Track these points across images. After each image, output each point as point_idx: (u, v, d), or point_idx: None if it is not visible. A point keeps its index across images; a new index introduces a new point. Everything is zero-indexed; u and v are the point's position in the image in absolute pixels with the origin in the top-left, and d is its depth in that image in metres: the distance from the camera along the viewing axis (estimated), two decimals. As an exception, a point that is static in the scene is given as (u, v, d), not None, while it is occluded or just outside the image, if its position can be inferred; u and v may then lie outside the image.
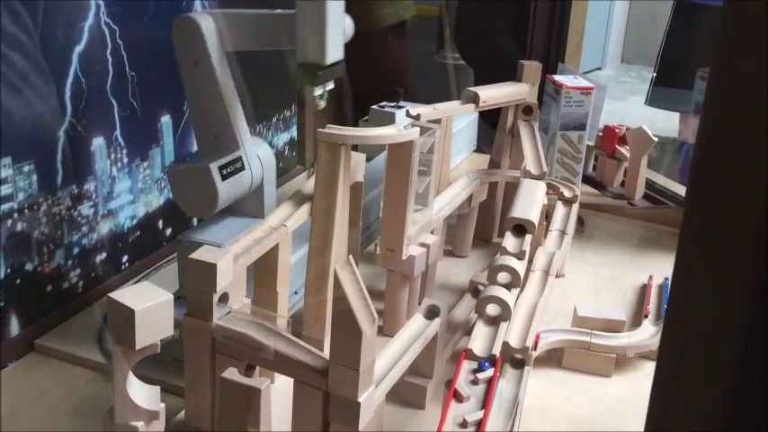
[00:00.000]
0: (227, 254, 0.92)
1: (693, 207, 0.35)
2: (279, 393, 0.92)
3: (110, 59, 1.25)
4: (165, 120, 1.40)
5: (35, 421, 1.02)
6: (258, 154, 1.13)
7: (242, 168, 1.09)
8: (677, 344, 0.37)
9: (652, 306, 1.30)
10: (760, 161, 0.32)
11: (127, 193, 1.33)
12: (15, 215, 1.12)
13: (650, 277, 1.41)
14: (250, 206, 1.15)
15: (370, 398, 0.86)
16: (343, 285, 0.81)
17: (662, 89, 2.40)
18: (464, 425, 0.87)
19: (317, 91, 1.09)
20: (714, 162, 0.35)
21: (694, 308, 0.35)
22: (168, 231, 1.45)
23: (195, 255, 0.90)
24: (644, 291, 1.39)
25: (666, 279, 1.39)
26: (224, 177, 1.06)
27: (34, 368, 1.13)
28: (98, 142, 1.25)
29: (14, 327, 1.15)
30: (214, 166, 1.05)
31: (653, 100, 2.49)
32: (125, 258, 1.36)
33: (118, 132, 1.29)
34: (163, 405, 0.68)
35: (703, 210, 0.35)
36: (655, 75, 2.45)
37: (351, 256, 0.87)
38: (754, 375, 0.32)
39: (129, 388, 0.66)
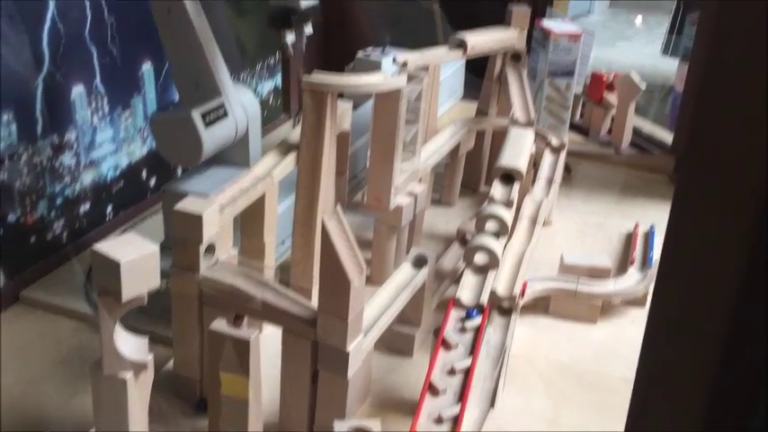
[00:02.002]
0: (213, 204, 0.91)
1: (692, 157, 0.35)
2: (267, 343, 0.92)
3: (87, 4, 1.21)
4: (147, 67, 1.37)
5: (22, 372, 1.02)
6: (242, 102, 1.11)
7: (225, 115, 1.07)
8: (671, 295, 0.36)
9: (638, 253, 1.31)
10: (760, 108, 0.31)
11: (109, 142, 1.31)
12: (-5, 166, 1.10)
13: (636, 225, 1.41)
14: (235, 155, 1.14)
15: (359, 347, 0.87)
16: (331, 235, 0.81)
17: (677, 37, 2.36)
18: (452, 372, 0.88)
19: (289, 36, 1.08)
20: (715, 109, 0.34)
21: (689, 259, 0.35)
22: (152, 181, 1.44)
23: (180, 205, 0.89)
24: (630, 238, 1.39)
25: (652, 226, 1.39)
26: (207, 125, 1.04)
27: (20, 319, 1.13)
28: (78, 90, 1.22)
29: (-1, 278, 1.14)
30: (196, 114, 1.03)
31: (667, 48, 2.46)
32: (109, 209, 1.34)
33: (98, 80, 1.26)
34: (151, 356, 0.68)
35: (701, 161, 0.34)
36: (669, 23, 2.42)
37: (338, 206, 0.86)
38: (749, 327, 0.32)
39: (116, 340, 0.66)
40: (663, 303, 0.36)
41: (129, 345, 0.67)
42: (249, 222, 1.08)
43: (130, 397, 0.68)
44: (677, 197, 0.35)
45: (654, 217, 1.45)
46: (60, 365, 1.04)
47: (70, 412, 0.95)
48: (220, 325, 0.66)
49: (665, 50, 2.49)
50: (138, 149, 1.38)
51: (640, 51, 2.86)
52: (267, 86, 1.82)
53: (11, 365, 1.03)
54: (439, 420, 0.81)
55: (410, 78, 1.16)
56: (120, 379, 0.66)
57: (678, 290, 0.35)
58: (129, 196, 1.38)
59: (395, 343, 1.07)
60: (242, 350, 0.66)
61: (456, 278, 1.21)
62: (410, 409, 0.93)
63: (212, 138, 1.05)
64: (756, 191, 0.30)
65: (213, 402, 0.74)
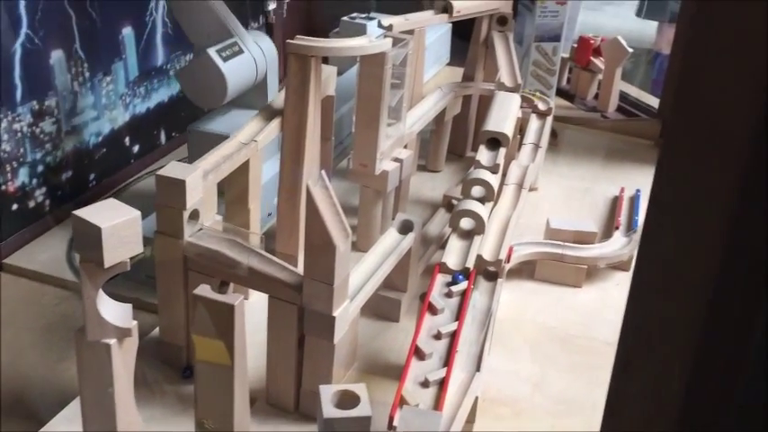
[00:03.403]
0: (197, 170, 0.90)
1: (680, 111, 0.34)
2: (253, 309, 0.92)
3: (65, -33, 1.19)
4: (127, 32, 1.34)
5: (6, 339, 1.01)
6: (260, 46, 1.18)
7: (240, 52, 1.14)
8: (657, 252, 0.36)
9: (623, 217, 1.31)
10: (754, 62, 0.31)
11: (90, 108, 1.29)
12: (-26, 132, 1.08)
13: (622, 189, 1.42)
14: (254, 98, 1.22)
15: (345, 312, 0.87)
16: (315, 200, 0.80)
17: (655, 1, 2.35)
18: (438, 336, 0.88)
19: (271, 4, 1.13)
20: (703, 63, 0.34)
21: (676, 216, 0.35)
22: (135, 149, 1.42)
23: (163, 171, 0.88)
24: (615, 203, 1.40)
25: (638, 191, 1.39)
26: (225, 59, 1.11)
27: (4, 288, 1.12)
28: (57, 55, 1.20)
29: (-19, 247, 1.13)
30: (212, 50, 1.10)
31: (640, 11, 2.45)
32: (92, 176, 1.33)
33: (77, 45, 1.23)
34: (135, 322, 0.68)
35: (690, 115, 0.34)
36: None
37: (323, 171, 0.86)
38: (736, 284, 0.32)
39: (99, 306, 0.65)
40: (647, 261, 0.36)
41: (113, 311, 0.67)
42: (233, 189, 1.07)
43: (115, 363, 0.67)
44: (662, 158, 0.35)
45: (640, 182, 1.45)
46: (45, 333, 1.03)
47: (56, 379, 0.95)
48: (204, 290, 0.66)
49: (639, 13, 2.48)
50: (121, 116, 1.37)
51: (627, 15, 2.84)
52: (251, 52, 1.79)
53: (-5, 334, 1.03)
54: (425, 384, 0.82)
55: (395, 42, 1.15)
56: (104, 344, 0.66)
57: (663, 245, 0.35)
58: (113, 163, 1.37)
59: (381, 308, 1.07)
60: (226, 315, 0.66)
61: (442, 243, 1.21)
62: (397, 373, 0.94)
63: (234, 73, 1.12)
64: (741, 154, 0.30)
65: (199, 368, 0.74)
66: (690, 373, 0.36)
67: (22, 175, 1.18)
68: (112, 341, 0.67)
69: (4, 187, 1.15)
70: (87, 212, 0.63)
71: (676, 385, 0.36)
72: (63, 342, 1.00)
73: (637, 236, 1.24)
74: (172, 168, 0.89)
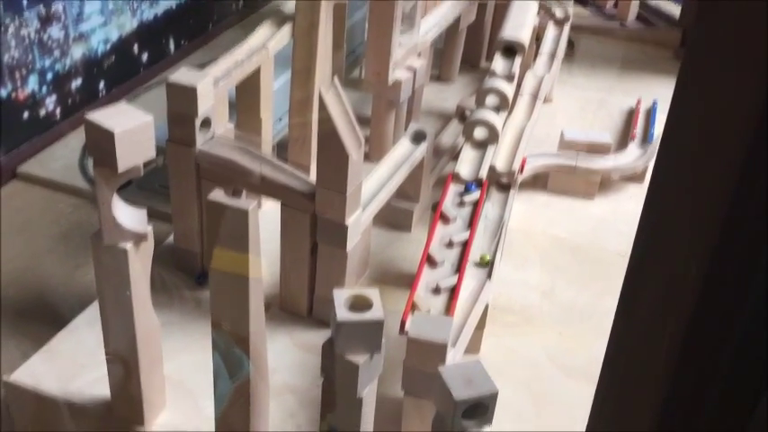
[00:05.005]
0: (207, 77, 0.89)
1: (703, 20, 0.33)
2: (267, 218, 0.92)
3: None
4: (133, -66, 1.30)
5: (24, 246, 1.03)
6: None
7: None
8: (674, 160, 0.36)
9: (639, 129, 1.29)
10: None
11: (98, 14, 1.27)
12: (-19, 38, 1.06)
13: (638, 101, 1.39)
14: None
15: (358, 220, 0.87)
16: (328, 107, 0.79)
17: None
18: (450, 244, 0.89)
19: None
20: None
21: (695, 126, 0.34)
22: (144, 57, 1.40)
23: (173, 78, 0.87)
24: (632, 114, 1.37)
25: (655, 102, 1.37)
26: None
27: (19, 195, 1.13)
28: (62, -42, 1.17)
29: (-6, 155, 1.13)
30: None
31: None
32: (101, 85, 1.32)
33: (82, -52, 1.20)
34: (150, 227, 0.68)
35: (713, 24, 0.32)
36: None
37: (336, 78, 0.84)
38: (752, 194, 0.31)
39: (114, 210, 0.66)
40: (664, 175, 0.36)
41: (128, 215, 0.67)
42: (245, 97, 1.06)
43: (132, 266, 0.68)
44: (683, 68, 0.33)
45: (657, 93, 1.42)
46: (62, 240, 1.04)
47: (74, 284, 0.97)
48: (218, 195, 0.66)
49: None
50: (128, 22, 1.34)
51: None
52: (260, -43, 1.74)
53: (13, 240, 1.04)
54: (436, 291, 0.83)
55: (409, -55, 1.11)
56: (121, 248, 0.67)
57: (681, 155, 0.35)
58: (122, 71, 1.35)
59: (393, 218, 1.07)
60: (240, 221, 0.66)
61: (455, 155, 1.20)
62: (408, 281, 0.95)
63: None
64: (765, 65, 0.29)
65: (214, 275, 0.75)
66: (704, 274, 0.36)
67: (32, 83, 1.17)
68: (128, 245, 0.67)
69: (13, 95, 1.14)
70: (100, 117, 0.62)
71: (690, 286, 0.37)
72: (80, 249, 1.02)
73: (652, 147, 1.23)
74: (182, 75, 0.87)
